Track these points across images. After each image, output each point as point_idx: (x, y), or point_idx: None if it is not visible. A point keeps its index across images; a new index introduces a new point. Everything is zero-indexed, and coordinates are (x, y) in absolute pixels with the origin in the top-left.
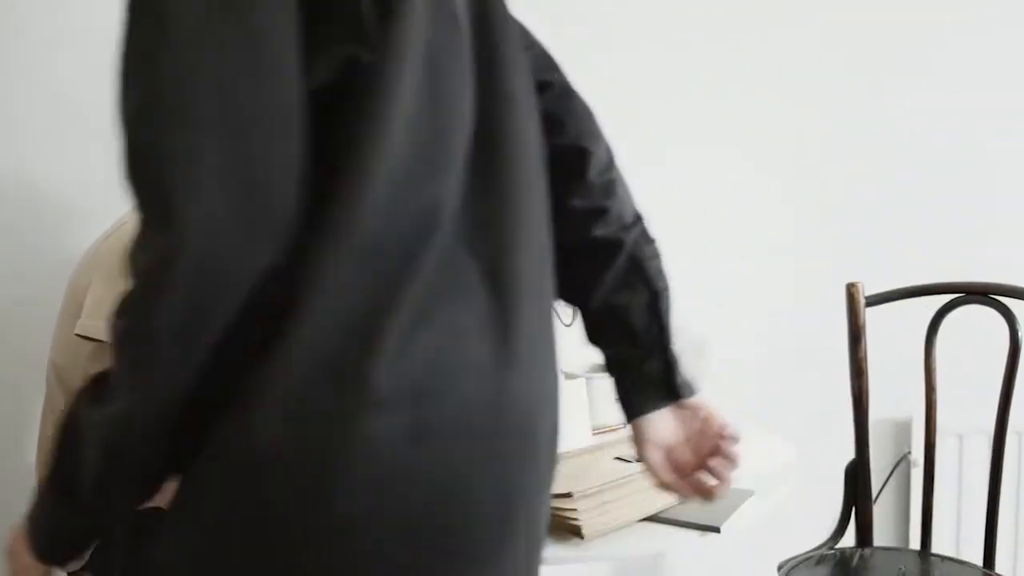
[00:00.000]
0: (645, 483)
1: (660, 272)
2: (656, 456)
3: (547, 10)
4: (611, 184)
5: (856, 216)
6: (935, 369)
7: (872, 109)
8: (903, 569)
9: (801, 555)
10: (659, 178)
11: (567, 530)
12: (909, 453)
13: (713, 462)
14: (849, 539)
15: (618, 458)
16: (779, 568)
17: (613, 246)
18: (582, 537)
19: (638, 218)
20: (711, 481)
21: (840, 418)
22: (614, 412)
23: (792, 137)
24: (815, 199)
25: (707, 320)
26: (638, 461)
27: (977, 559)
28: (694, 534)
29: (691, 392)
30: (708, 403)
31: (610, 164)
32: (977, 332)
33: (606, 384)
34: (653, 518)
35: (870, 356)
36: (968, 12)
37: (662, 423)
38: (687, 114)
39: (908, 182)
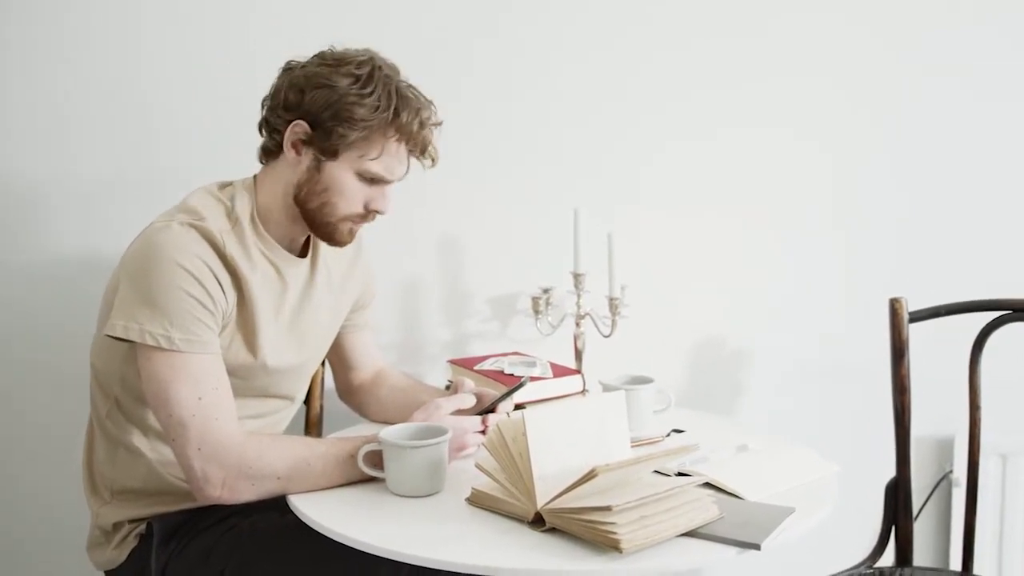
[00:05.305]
0: (685, 497)
1: None
2: None
3: None
4: None
5: (903, 231)
6: (980, 387)
7: (923, 122)
8: None
9: (839, 573)
10: (703, 195)
11: (606, 544)
12: (951, 472)
13: None
14: (888, 558)
15: (657, 472)
16: None
17: None
18: (621, 551)
19: None
20: None
21: (882, 435)
22: (653, 424)
23: (840, 151)
24: (861, 213)
25: (750, 334)
26: (679, 475)
27: None
28: (733, 550)
29: None
30: None
31: None
32: None
33: (645, 396)
34: (692, 533)
35: (913, 372)
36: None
37: None
38: (729, 131)
39: (956, 197)
